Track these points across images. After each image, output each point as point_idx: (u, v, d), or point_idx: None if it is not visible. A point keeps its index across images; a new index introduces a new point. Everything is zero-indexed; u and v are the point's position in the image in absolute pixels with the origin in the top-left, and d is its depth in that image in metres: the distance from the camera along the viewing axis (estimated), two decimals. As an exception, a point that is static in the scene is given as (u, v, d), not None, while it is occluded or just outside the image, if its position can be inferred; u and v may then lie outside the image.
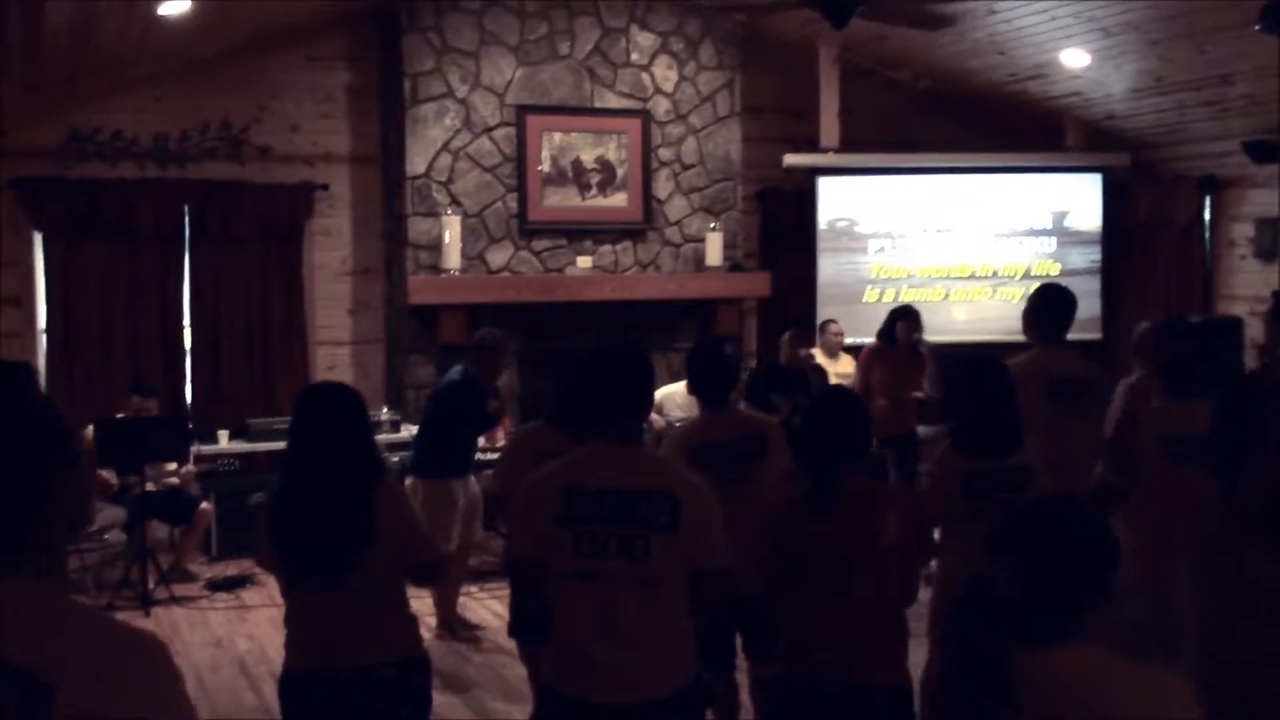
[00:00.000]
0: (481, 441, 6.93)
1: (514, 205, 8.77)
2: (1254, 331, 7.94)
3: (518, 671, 5.74)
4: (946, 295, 9.70)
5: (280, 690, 3.29)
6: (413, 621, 3.37)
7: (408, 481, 6.31)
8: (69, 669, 1.41)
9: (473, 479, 6.45)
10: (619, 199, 9.02)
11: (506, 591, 5.79)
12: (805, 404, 4.01)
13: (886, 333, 7.63)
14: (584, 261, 8.97)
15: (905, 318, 7.60)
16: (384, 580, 3.24)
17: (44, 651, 1.42)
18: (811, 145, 9.55)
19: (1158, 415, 4.02)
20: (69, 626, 1.48)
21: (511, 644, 6.09)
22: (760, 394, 5.03)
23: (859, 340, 8.76)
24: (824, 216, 9.67)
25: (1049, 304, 4.80)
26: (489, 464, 7.03)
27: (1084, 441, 4.49)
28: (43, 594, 1.51)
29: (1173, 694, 1.94)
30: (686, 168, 9.25)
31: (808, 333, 8.38)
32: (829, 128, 9.42)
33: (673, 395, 7.38)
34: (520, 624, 4.60)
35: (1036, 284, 5.24)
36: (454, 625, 6.31)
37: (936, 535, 3.76)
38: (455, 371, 6.25)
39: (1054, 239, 9.76)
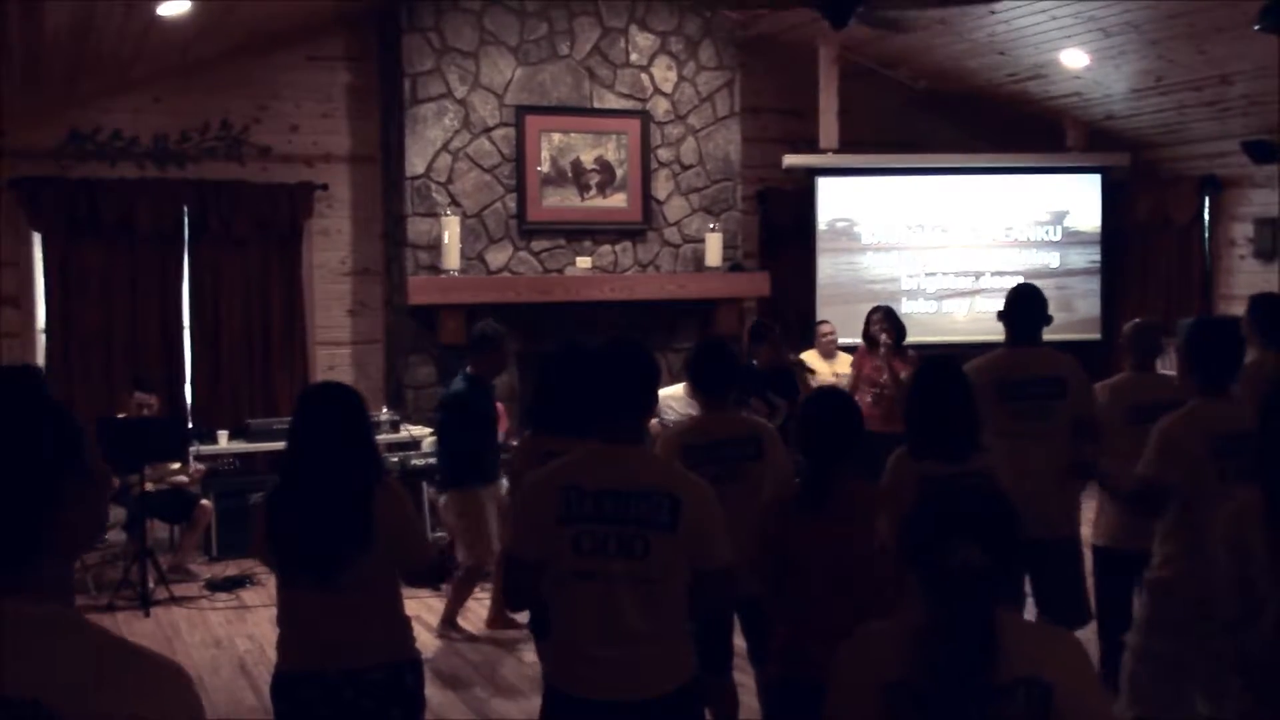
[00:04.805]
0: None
1: (513, 206, 8.77)
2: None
3: (517, 671, 5.75)
4: (946, 295, 9.71)
5: (272, 691, 3.28)
6: (405, 623, 3.36)
7: (442, 499, 6.31)
8: (78, 699, 1.32)
9: (503, 482, 6.44)
10: (618, 199, 9.02)
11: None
12: (790, 407, 3.96)
13: (866, 333, 7.57)
14: (583, 262, 8.97)
15: (876, 314, 7.53)
16: (379, 580, 3.23)
17: (51, 679, 1.33)
18: (811, 145, 9.56)
19: (1200, 412, 3.85)
20: (77, 648, 1.38)
21: (512, 645, 6.13)
22: (738, 396, 4.98)
23: (858, 340, 8.75)
24: (823, 217, 9.68)
25: (1010, 304, 4.77)
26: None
27: (1042, 443, 4.45)
28: (50, 615, 1.40)
29: (1074, 648, 2.14)
30: (686, 168, 9.25)
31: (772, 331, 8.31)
32: (828, 128, 9.43)
33: (668, 399, 7.35)
34: (538, 622, 4.58)
35: (1016, 284, 5.21)
36: (507, 623, 6.28)
37: None
38: (458, 380, 6.21)
39: (1054, 239, 9.76)
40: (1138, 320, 5.46)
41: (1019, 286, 4.93)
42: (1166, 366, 8.63)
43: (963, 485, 2.19)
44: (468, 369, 6.16)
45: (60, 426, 1.48)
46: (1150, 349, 5.07)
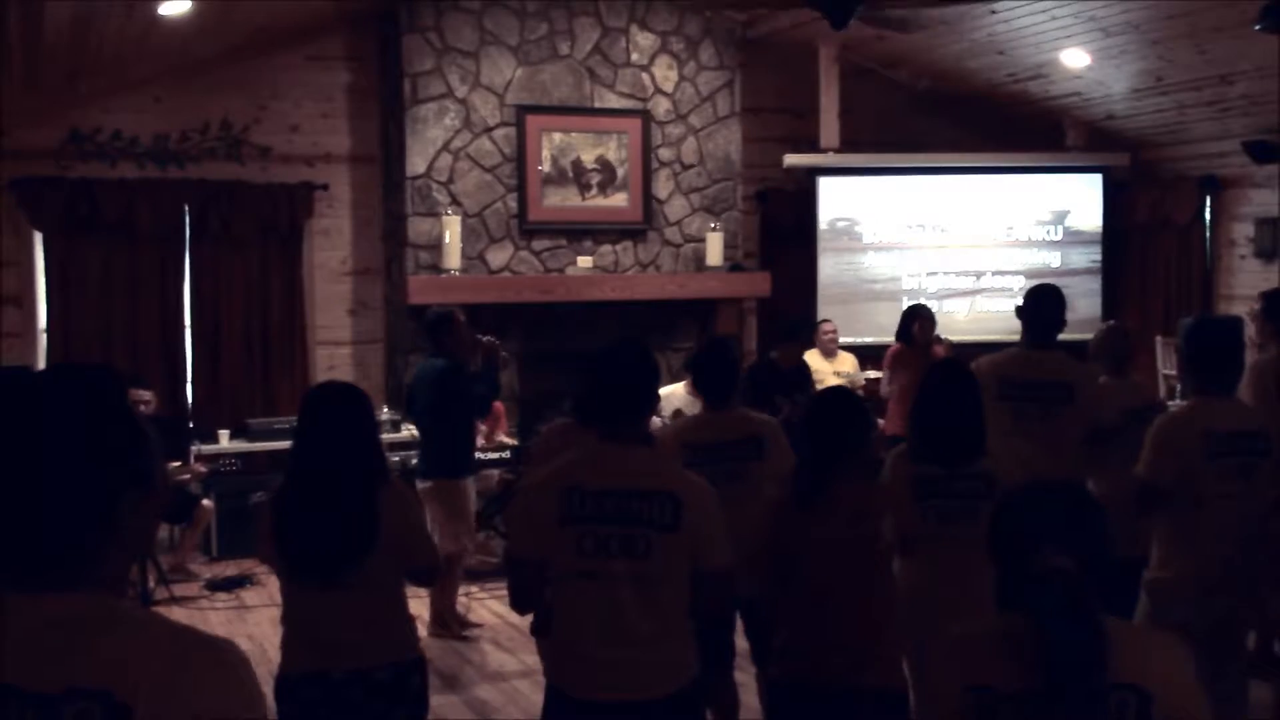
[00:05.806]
0: (480, 440, 6.92)
1: (514, 205, 8.77)
2: (1253, 331, 7.93)
3: (517, 671, 5.75)
4: (946, 295, 9.71)
5: (276, 692, 3.28)
6: (410, 622, 3.37)
7: (421, 485, 6.29)
8: (145, 686, 1.35)
9: (470, 478, 6.43)
10: (619, 199, 9.02)
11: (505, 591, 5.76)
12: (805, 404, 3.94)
13: (904, 333, 7.60)
14: (584, 261, 8.97)
15: (919, 317, 7.57)
16: (384, 580, 3.23)
17: (121, 672, 1.35)
18: (811, 145, 9.55)
19: (1199, 412, 3.84)
20: (141, 639, 1.41)
21: (511, 644, 6.14)
22: (761, 393, 4.99)
23: (859, 340, 8.77)
24: (824, 216, 9.68)
25: (1024, 304, 4.76)
26: (489, 463, 7.04)
27: (1039, 444, 4.41)
28: (108, 606, 1.43)
29: (1177, 657, 2.05)
30: (686, 168, 9.25)
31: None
32: (829, 128, 9.43)
33: (670, 398, 7.35)
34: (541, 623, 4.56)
35: (1036, 284, 5.20)
36: (449, 622, 6.29)
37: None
38: (435, 360, 6.18)
39: (1054, 239, 9.77)
40: (1110, 323, 5.41)
41: (1035, 287, 4.87)
42: (1167, 366, 8.68)
43: (1048, 490, 2.15)
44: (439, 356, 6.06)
45: (137, 437, 1.52)
46: (1122, 353, 5.05)
